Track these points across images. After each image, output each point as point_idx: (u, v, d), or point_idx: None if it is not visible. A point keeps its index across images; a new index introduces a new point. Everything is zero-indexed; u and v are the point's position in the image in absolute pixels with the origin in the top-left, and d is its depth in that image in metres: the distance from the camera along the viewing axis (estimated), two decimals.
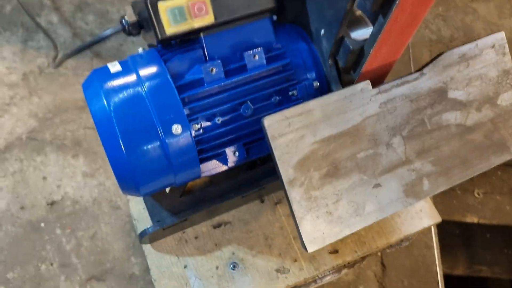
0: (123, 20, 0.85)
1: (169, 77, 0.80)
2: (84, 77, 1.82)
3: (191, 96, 0.81)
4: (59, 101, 1.80)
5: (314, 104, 0.79)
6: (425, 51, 2.21)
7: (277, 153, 0.77)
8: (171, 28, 0.78)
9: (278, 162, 0.77)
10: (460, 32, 2.26)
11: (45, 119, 1.77)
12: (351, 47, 0.82)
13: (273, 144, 0.77)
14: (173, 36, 0.79)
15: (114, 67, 0.83)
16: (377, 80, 0.90)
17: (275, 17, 0.93)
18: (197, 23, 0.79)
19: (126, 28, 0.86)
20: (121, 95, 0.78)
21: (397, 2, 0.69)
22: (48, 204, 1.63)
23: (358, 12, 0.95)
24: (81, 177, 1.69)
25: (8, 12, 2.00)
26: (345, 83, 0.92)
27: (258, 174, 1.00)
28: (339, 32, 0.81)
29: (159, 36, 0.79)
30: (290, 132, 0.78)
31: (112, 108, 0.77)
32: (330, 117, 0.80)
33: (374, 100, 0.82)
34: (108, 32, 0.85)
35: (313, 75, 0.89)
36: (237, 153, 0.86)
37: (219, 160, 0.87)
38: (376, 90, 0.82)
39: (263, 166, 0.99)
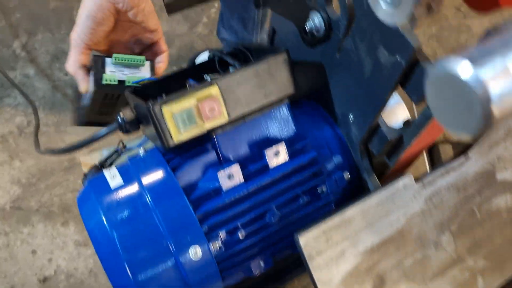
0: (119, 118, 0.73)
1: (181, 191, 0.68)
2: (68, 134, 1.69)
3: (209, 210, 0.69)
4: (43, 164, 1.66)
5: (353, 212, 0.68)
6: None
7: (316, 276, 0.66)
8: (179, 135, 0.66)
9: (318, 284, 0.66)
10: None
11: (29, 185, 1.63)
12: (388, 137, 0.71)
13: (311, 265, 0.65)
14: (182, 143, 0.67)
15: (114, 179, 0.70)
16: (409, 162, 0.80)
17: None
18: (210, 125, 0.68)
19: (123, 126, 0.73)
20: (126, 219, 0.66)
21: None
22: (40, 281, 1.49)
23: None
24: (74, 246, 1.55)
25: None
26: (376, 168, 0.81)
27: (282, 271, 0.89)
28: (375, 120, 0.70)
29: (167, 146, 0.67)
30: (329, 248, 0.66)
31: (116, 237, 0.65)
32: (372, 223, 0.69)
33: (418, 196, 0.72)
34: (103, 132, 0.72)
35: (342, 165, 0.78)
36: (262, 263, 0.75)
37: (243, 271, 0.75)
38: (420, 184, 0.72)
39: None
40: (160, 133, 0.66)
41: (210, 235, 0.69)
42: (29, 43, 1.92)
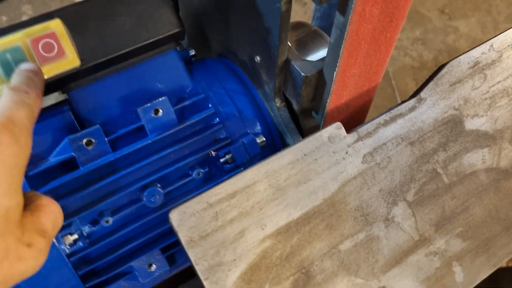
0: None
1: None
2: None
3: (58, 189, 0.50)
4: None
5: (254, 174, 0.47)
6: (410, 80, 1.93)
7: (201, 269, 0.45)
8: (3, 84, 0.47)
9: (205, 283, 0.45)
10: (444, 54, 2.00)
11: None
12: (302, 73, 0.51)
13: (192, 254, 0.45)
14: None
15: None
16: (355, 122, 0.60)
17: (192, 52, 0.63)
18: (49, 72, 0.49)
19: None
20: None
21: None
22: None
23: (313, 28, 0.66)
24: None
25: None
26: (308, 133, 0.61)
27: None
28: (281, 53, 0.51)
29: None
30: (219, 229, 0.46)
31: None
32: (285, 191, 0.48)
33: (353, 152, 0.51)
34: None
35: (256, 127, 0.58)
36: (153, 266, 0.54)
37: (126, 281, 0.54)
38: (353, 135, 0.51)
39: None
40: None
41: None
42: None
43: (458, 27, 2.16)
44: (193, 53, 0.63)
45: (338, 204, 0.50)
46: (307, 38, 0.64)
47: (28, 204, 0.37)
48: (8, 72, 0.47)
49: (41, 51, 0.48)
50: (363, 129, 0.52)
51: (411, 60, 2.02)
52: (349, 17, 0.44)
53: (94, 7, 0.51)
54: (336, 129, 0.51)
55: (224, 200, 0.46)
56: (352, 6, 0.43)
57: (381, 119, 0.53)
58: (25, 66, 0.45)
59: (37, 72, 0.45)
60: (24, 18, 2.00)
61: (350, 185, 0.51)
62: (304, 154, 0.49)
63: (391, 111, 0.54)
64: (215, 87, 0.58)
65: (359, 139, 0.52)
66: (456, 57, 0.57)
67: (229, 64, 0.63)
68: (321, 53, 0.64)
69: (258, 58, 0.56)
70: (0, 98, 0.40)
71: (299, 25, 0.66)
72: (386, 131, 0.53)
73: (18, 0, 2.06)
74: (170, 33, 0.55)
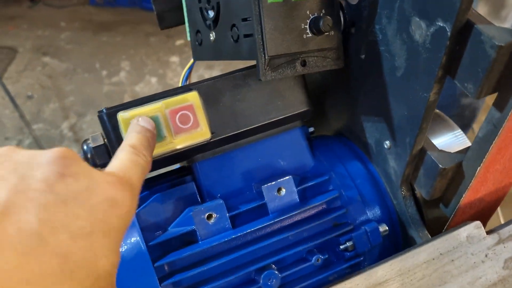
0: (85, 146, 0.56)
1: (138, 232, 0.48)
2: None
3: (176, 262, 0.49)
4: None
5: (386, 271, 0.44)
6: None
7: None
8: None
9: None
10: None
11: None
12: (440, 165, 0.48)
13: None
14: None
15: None
16: (483, 216, 0.55)
17: (311, 129, 0.62)
18: (183, 141, 0.49)
19: (89, 156, 0.56)
20: None
21: None
22: None
23: (436, 110, 0.63)
24: None
25: (27, 147, 1.83)
26: (430, 223, 0.57)
27: None
28: (417, 142, 0.49)
29: None
30: None
31: None
32: None
33: (493, 255, 0.47)
34: None
35: (377, 214, 0.55)
36: None
37: None
38: (494, 236, 0.47)
39: None
40: (115, 150, 0.49)
41: None
42: (78, 124, 1.90)
43: None
44: (312, 130, 0.62)
45: None
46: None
47: None
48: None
49: (177, 122, 0.49)
50: (505, 231, 0.47)
51: None
52: (508, 114, 0.41)
53: (229, 81, 0.52)
54: (475, 228, 0.47)
55: None
56: None
57: None
58: (145, 123, 0.45)
59: (154, 136, 0.45)
60: (123, 73, 2.14)
61: None
62: (440, 254, 0.45)
63: None
64: (337, 168, 0.56)
65: (500, 241, 0.47)
66: None
67: (350, 144, 0.61)
68: (445, 138, 0.61)
69: (387, 144, 0.53)
70: (119, 153, 0.40)
71: None
72: None
73: (118, 57, 2.21)
74: (299, 111, 0.54)
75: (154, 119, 0.48)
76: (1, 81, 1.89)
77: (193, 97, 0.50)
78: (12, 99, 1.79)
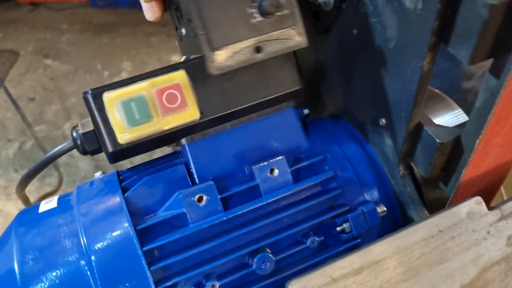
0: (74, 132, 0.54)
1: (126, 217, 0.47)
2: None
3: (165, 246, 0.47)
4: None
5: (383, 249, 0.42)
6: None
7: None
8: (126, 133, 0.47)
9: None
10: None
11: None
12: (437, 140, 0.46)
13: None
14: (132, 146, 0.48)
15: (48, 205, 0.51)
16: (486, 194, 0.53)
17: (306, 111, 0.60)
18: (170, 123, 0.48)
19: (79, 143, 0.54)
20: (41, 257, 0.45)
21: None
22: None
23: (435, 90, 0.61)
24: None
25: (29, 148, 1.83)
26: (430, 205, 0.55)
27: None
28: (413, 117, 0.47)
29: (108, 149, 0.48)
30: None
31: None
32: (417, 271, 0.42)
33: (495, 232, 0.44)
34: (49, 155, 0.53)
35: (375, 194, 0.53)
36: None
37: None
38: (495, 213, 0.45)
39: None
40: (101, 131, 0.48)
41: (165, 284, 0.45)
42: None
43: None
44: (307, 112, 0.60)
45: None
46: (429, 100, 0.59)
47: None
48: (131, 121, 0.47)
49: (164, 101, 0.48)
50: (507, 207, 0.45)
51: None
52: (505, 80, 0.39)
53: None
54: (476, 204, 0.45)
55: (349, 276, 0.41)
56: (511, 67, 0.38)
57: None
58: None
59: None
60: (124, 74, 2.13)
61: (493, 271, 0.44)
62: (440, 231, 0.43)
63: None
64: (332, 149, 0.55)
65: (503, 217, 0.45)
66: None
67: (346, 125, 0.59)
68: (447, 117, 0.59)
69: (383, 121, 0.51)
70: None
71: None
72: None
73: (120, 57, 2.20)
74: (291, 90, 0.52)
75: (140, 99, 0.47)
76: (3, 84, 1.88)
77: (180, 76, 0.48)
78: (14, 102, 1.78)
